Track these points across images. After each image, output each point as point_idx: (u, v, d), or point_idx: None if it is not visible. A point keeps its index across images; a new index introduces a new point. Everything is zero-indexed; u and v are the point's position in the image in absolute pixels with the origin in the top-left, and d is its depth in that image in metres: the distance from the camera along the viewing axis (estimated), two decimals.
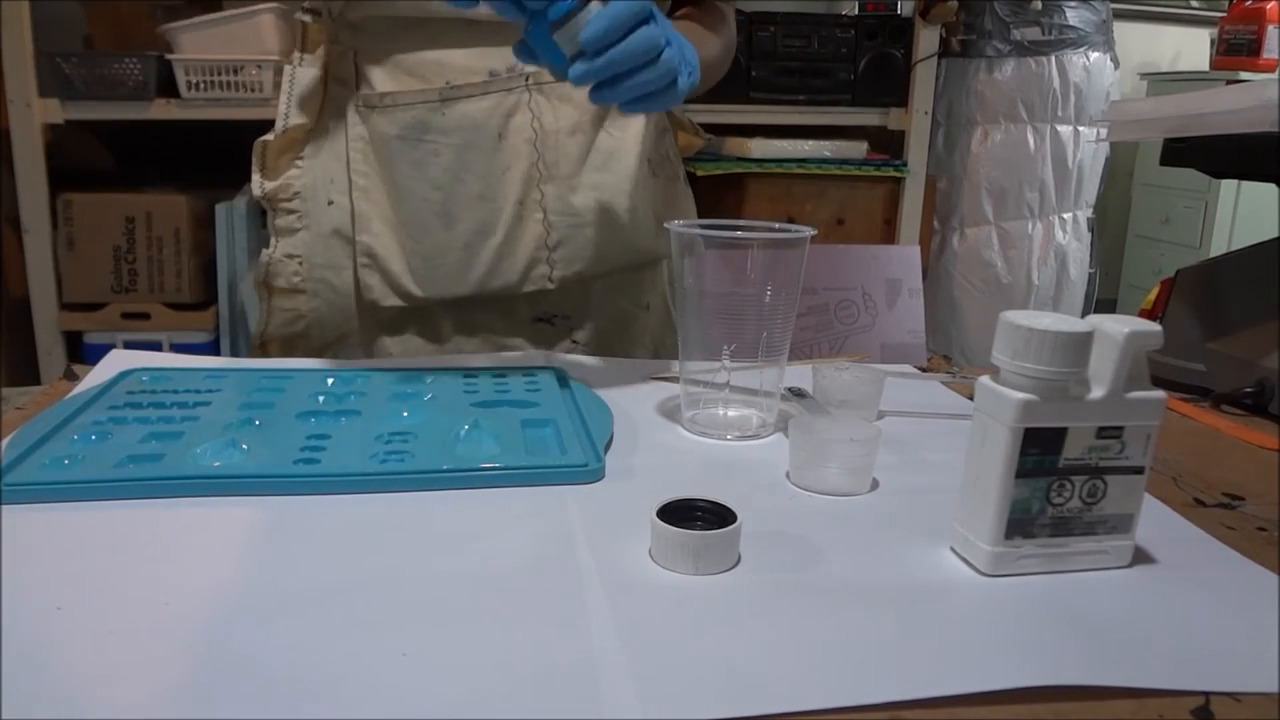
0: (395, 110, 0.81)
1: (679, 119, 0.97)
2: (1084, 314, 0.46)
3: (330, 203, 0.85)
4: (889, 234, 2.34)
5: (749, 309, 0.62)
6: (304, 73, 0.84)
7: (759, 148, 2.20)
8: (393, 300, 0.85)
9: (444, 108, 0.80)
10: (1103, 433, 0.44)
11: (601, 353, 0.91)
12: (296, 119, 0.83)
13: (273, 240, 0.86)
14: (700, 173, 2.17)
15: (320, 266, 0.86)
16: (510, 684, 0.36)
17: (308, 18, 0.82)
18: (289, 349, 0.87)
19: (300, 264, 0.86)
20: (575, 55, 0.60)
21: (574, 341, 0.91)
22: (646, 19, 0.61)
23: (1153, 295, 1.09)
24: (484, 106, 0.80)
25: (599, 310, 0.91)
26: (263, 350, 0.88)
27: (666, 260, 0.96)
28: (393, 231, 0.84)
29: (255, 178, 0.84)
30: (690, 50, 0.67)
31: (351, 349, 0.88)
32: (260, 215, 2.14)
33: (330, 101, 0.85)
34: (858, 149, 2.28)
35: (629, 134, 0.85)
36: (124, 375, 0.70)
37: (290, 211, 0.85)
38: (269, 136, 0.83)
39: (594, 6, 0.59)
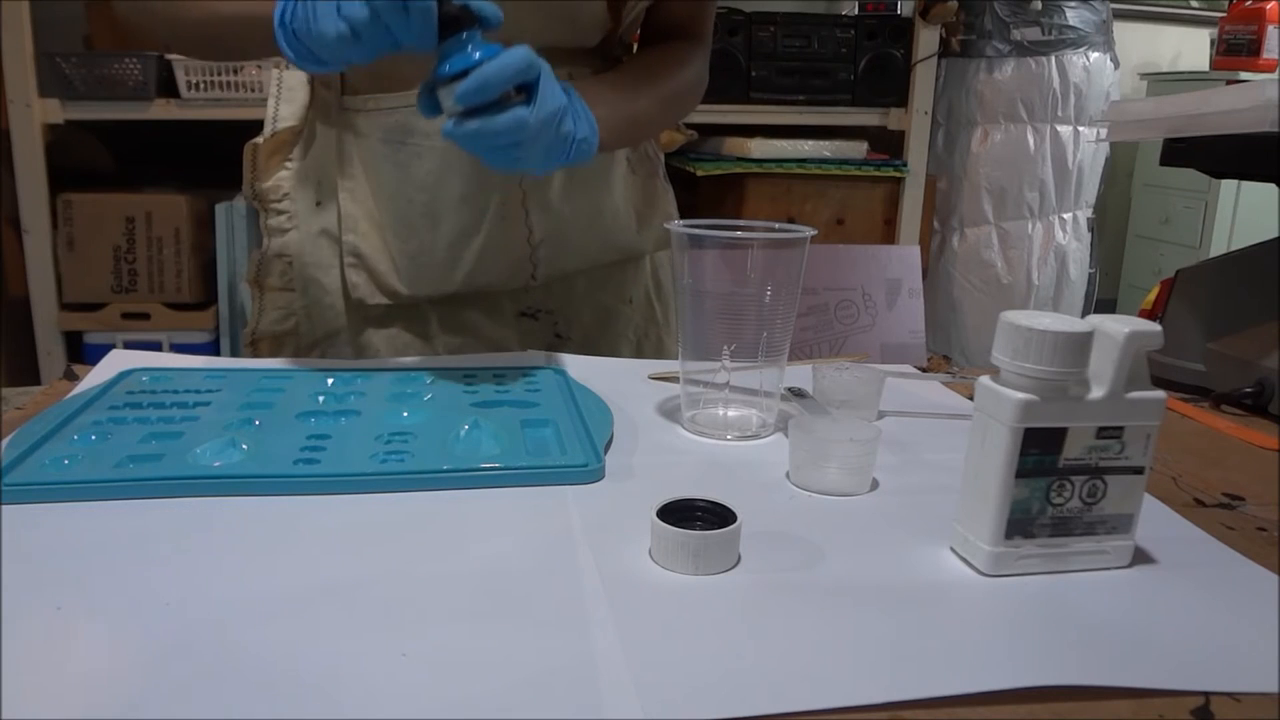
0: (379, 113, 0.81)
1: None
2: (1084, 314, 0.46)
3: (318, 203, 0.86)
4: (889, 234, 2.34)
5: (749, 309, 0.62)
6: (291, 76, 0.85)
7: (759, 148, 2.20)
8: (379, 299, 0.86)
9: None
10: (1103, 433, 0.44)
11: (587, 347, 0.91)
12: (285, 121, 0.85)
13: (264, 240, 0.87)
14: (700, 173, 2.17)
15: (309, 265, 0.87)
16: (510, 684, 0.36)
17: None
18: (279, 346, 0.88)
19: (290, 263, 0.87)
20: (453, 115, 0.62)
21: (558, 336, 0.92)
22: (528, 85, 0.62)
23: (1153, 295, 1.09)
24: None
25: (582, 305, 0.93)
26: (253, 348, 0.89)
27: (649, 256, 0.97)
28: (379, 232, 0.85)
29: (246, 178, 0.85)
30: (584, 119, 0.68)
31: (341, 345, 0.89)
32: (257, 215, 2.14)
33: (318, 104, 0.85)
34: (858, 149, 2.28)
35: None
36: (124, 375, 0.70)
37: (280, 212, 0.86)
38: (259, 139, 0.85)
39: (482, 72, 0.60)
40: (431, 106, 0.63)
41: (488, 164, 0.65)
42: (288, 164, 0.86)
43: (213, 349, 2.07)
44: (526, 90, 0.62)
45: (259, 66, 1.97)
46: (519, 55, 0.60)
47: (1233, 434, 0.70)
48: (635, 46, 0.91)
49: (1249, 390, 0.75)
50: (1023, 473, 0.44)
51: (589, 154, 0.69)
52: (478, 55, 0.60)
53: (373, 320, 0.88)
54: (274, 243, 0.86)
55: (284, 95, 0.84)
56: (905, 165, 2.29)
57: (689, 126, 1.00)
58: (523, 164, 0.65)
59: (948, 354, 2.47)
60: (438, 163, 0.81)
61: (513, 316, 0.90)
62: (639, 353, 0.95)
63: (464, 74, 0.60)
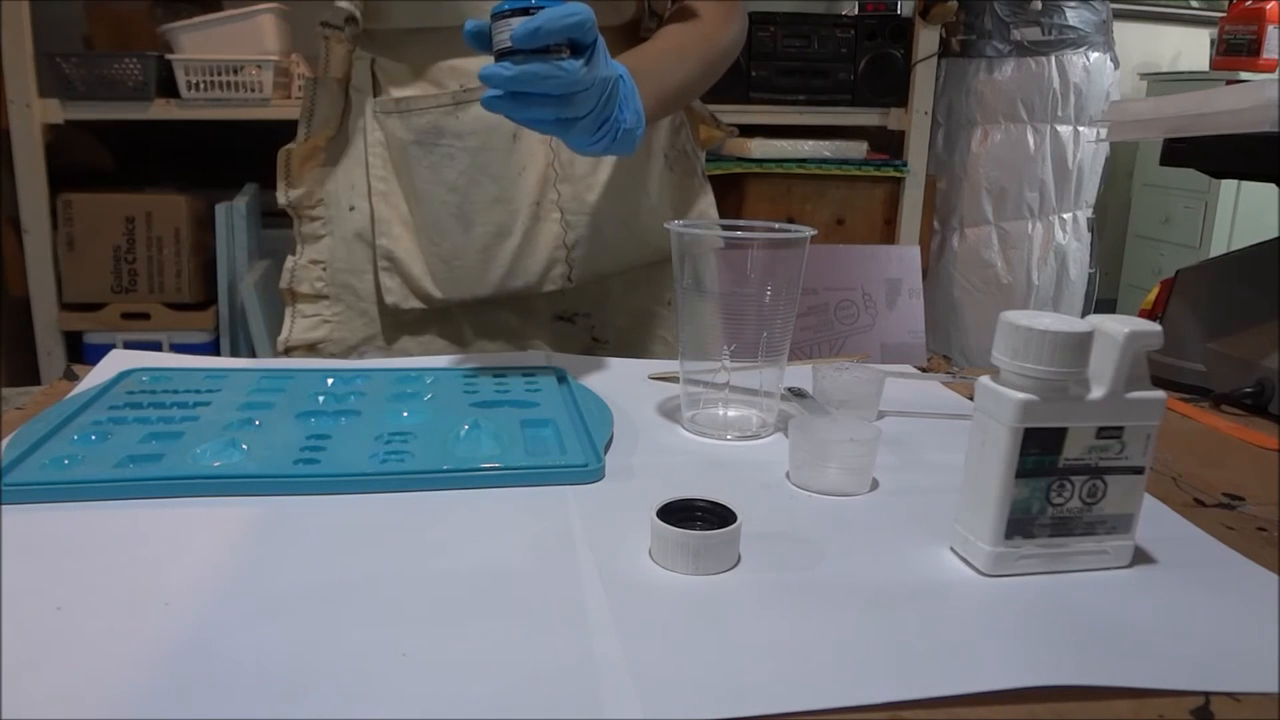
0: (410, 115, 0.81)
1: (698, 112, 0.96)
2: (1084, 314, 0.46)
3: (351, 208, 0.86)
4: (889, 234, 2.33)
5: (749, 309, 0.62)
6: (325, 82, 0.84)
7: (759, 148, 2.20)
8: (413, 303, 0.86)
9: (457, 111, 0.80)
10: (1103, 433, 0.44)
11: (623, 350, 0.91)
12: (318, 126, 0.84)
13: (299, 247, 0.86)
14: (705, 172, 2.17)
15: (342, 271, 0.87)
16: (510, 684, 0.36)
17: (328, 32, 0.82)
18: (312, 354, 0.88)
19: (324, 269, 0.86)
20: (500, 55, 0.59)
21: (595, 339, 0.91)
22: (583, 47, 0.60)
23: (1153, 295, 1.09)
24: None
25: (618, 307, 0.92)
26: (286, 356, 0.88)
27: None
28: (412, 235, 0.85)
29: (280, 185, 0.84)
30: (630, 108, 0.66)
31: (374, 353, 0.88)
32: (261, 216, 2.14)
33: (350, 108, 0.85)
34: (858, 149, 2.28)
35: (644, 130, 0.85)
36: (124, 375, 0.70)
37: (315, 218, 0.86)
38: (292, 145, 0.84)
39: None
40: (480, 42, 0.61)
41: (530, 125, 0.62)
42: (321, 170, 0.85)
43: (213, 349, 2.07)
44: (580, 51, 0.60)
45: (259, 66, 1.97)
46: (583, 9, 0.59)
47: (1233, 434, 0.70)
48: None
49: (1249, 390, 0.75)
50: (1023, 473, 0.44)
51: (632, 145, 0.67)
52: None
53: (406, 326, 0.88)
54: (308, 249, 0.86)
55: (316, 101, 0.84)
56: (905, 165, 2.29)
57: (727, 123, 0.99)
58: (567, 131, 0.62)
59: (948, 354, 2.47)
60: (469, 164, 0.81)
61: (548, 320, 0.90)
62: (675, 355, 0.95)
63: (522, 12, 0.58)
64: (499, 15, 0.59)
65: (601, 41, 0.61)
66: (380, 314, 0.88)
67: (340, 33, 0.81)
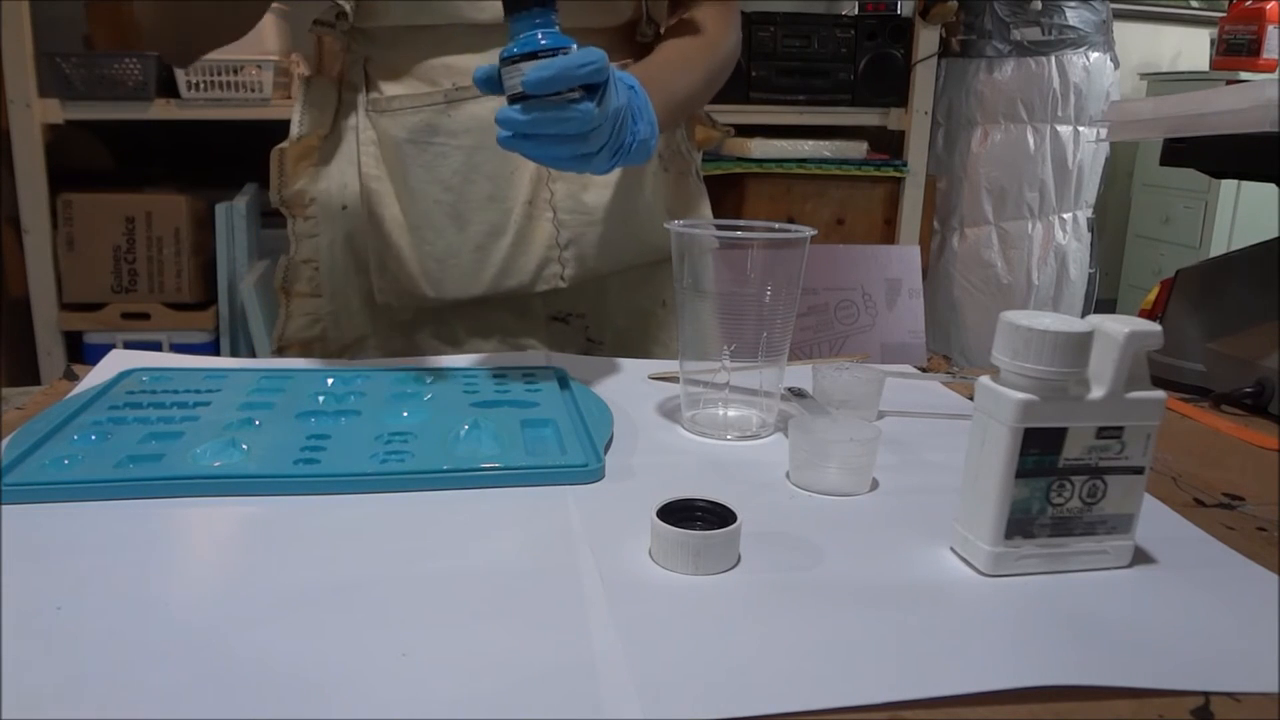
0: (404, 114, 0.81)
1: (695, 113, 0.96)
2: (1084, 314, 0.46)
3: (344, 207, 0.86)
4: (889, 234, 2.34)
5: (749, 309, 0.62)
6: (318, 81, 0.84)
7: (759, 148, 2.20)
8: (406, 302, 0.86)
9: (450, 109, 0.80)
10: (1103, 433, 0.44)
11: (620, 350, 0.91)
12: (311, 126, 0.84)
13: (291, 245, 0.86)
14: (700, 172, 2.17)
15: (335, 270, 0.87)
16: (510, 684, 0.36)
17: (321, 31, 0.82)
18: (307, 352, 0.88)
19: (316, 269, 0.86)
20: (512, 99, 0.60)
21: (590, 340, 0.91)
22: (595, 86, 0.60)
23: (1153, 295, 1.09)
24: (491, 107, 0.80)
25: (615, 308, 0.92)
26: (280, 355, 0.88)
27: None
28: (405, 234, 0.85)
29: (273, 184, 0.84)
30: (644, 119, 0.67)
31: (369, 351, 0.88)
32: (261, 216, 2.15)
33: (343, 108, 0.85)
34: (858, 149, 2.28)
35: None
36: (124, 375, 0.70)
37: (308, 217, 0.86)
38: (285, 144, 0.84)
39: (547, 62, 0.58)
40: (491, 86, 0.61)
41: (546, 163, 0.63)
42: (314, 169, 0.85)
43: (213, 349, 2.07)
44: (591, 90, 0.60)
45: (259, 66, 1.97)
46: (597, 56, 0.59)
47: (1233, 434, 0.70)
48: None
49: (1249, 390, 0.75)
50: (1023, 473, 0.44)
51: (646, 155, 0.68)
52: (544, 41, 0.59)
53: (400, 326, 0.88)
54: (301, 248, 0.86)
55: (309, 100, 0.84)
56: (905, 165, 2.29)
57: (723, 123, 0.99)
58: (583, 164, 0.63)
59: (948, 354, 2.47)
60: (463, 162, 0.81)
61: (543, 320, 0.90)
62: (671, 356, 0.95)
63: (531, 56, 0.58)
64: (508, 60, 0.59)
65: (613, 72, 0.62)
66: (373, 313, 0.88)
67: (332, 31, 0.81)
